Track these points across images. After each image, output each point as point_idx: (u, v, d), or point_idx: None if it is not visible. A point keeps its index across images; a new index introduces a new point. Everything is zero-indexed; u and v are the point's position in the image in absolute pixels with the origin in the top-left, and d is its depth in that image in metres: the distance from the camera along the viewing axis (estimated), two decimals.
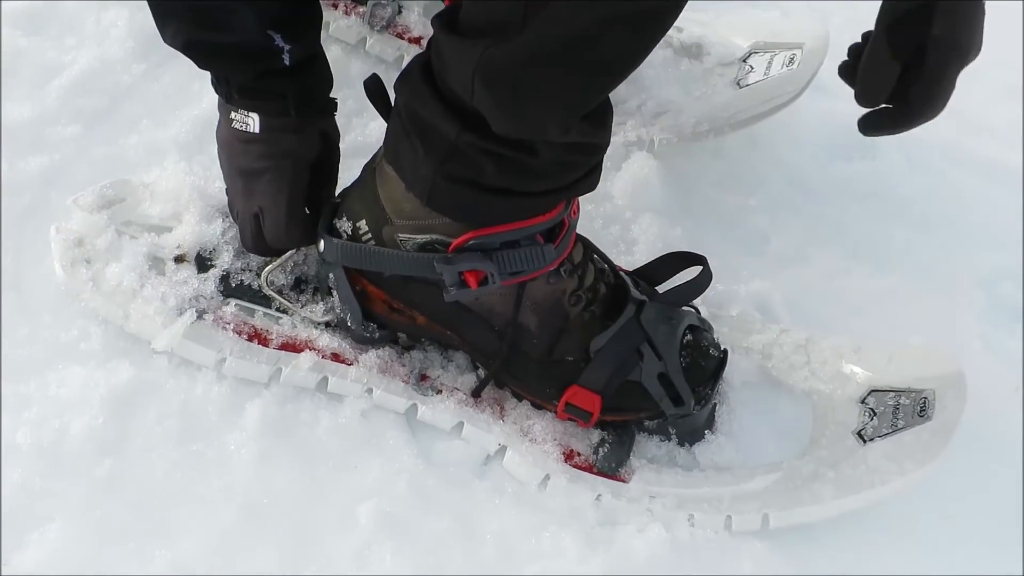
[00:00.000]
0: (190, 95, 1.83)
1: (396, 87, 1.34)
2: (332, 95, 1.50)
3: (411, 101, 1.30)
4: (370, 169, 1.43)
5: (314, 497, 1.41)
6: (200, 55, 1.41)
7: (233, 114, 1.44)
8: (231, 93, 1.42)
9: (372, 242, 1.42)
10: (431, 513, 1.42)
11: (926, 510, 1.52)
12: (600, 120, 1.30)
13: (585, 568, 1.39)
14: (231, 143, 1.46)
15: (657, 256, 1.57)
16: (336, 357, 1.50)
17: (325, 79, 1.48)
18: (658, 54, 1.95)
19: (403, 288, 1.45)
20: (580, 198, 1.43)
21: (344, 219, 1.44)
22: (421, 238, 1.38)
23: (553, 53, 1.15)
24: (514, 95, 1.19)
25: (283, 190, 1.45)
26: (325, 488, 1.42)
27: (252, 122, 1.42)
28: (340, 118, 1.53)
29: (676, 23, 1.77)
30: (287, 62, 1.39)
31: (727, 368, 1.52)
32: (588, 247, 1.49)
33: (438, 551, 1.39)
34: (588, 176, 1.37)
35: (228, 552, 1.35)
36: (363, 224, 1.42)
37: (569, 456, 1.48)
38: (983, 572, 1.49)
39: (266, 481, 1.41)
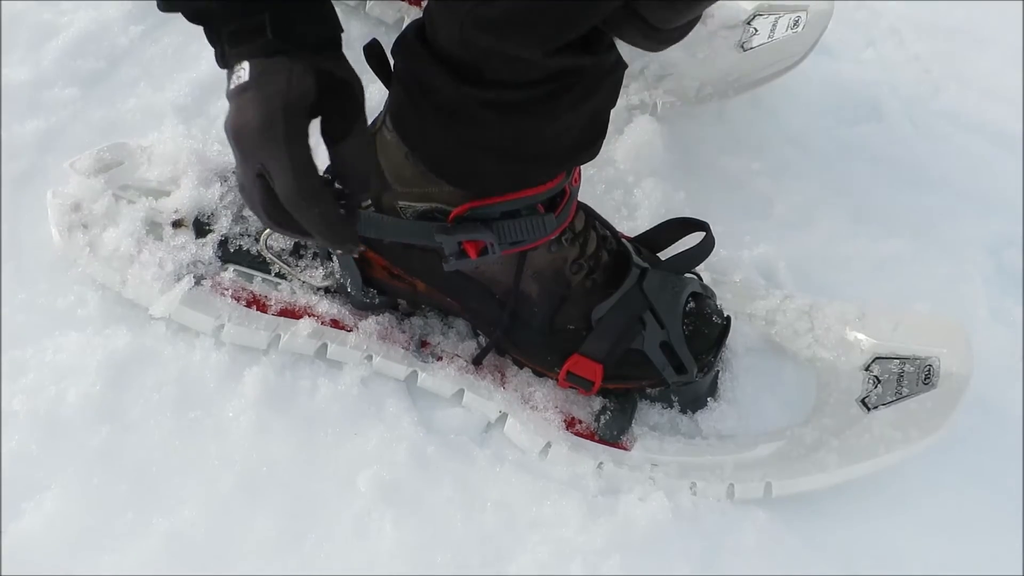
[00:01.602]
0: (188, 58, 1.82)
1: (393, 52, 1.32)
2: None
3: (409, 64, 1.29)
4: (370, 134, 1.41)
5: (313, 465, 1.40)
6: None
7: (231, 75, 1.32)
8: (225, 49, 1.29)
9: (372, 208, 1.40)
10: (431, 481, 1.41)
11: (929, 479, 1.51)
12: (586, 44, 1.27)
13: (587, 536, 1.38)
14: (232, 104, 1.33)
15: (659, 222, 1.55)
16: (335, 323, 1.49)
17: (314, 12, 1.30)
18: None
19: (403, 255, 1.43)
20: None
21: None
22: (421, 206, 1.37)
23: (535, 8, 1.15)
24: (500, 38, 1.18)
25: (278, 137, 1.25)
26: (324, 456, 1.41)
27: (244, 72, 1.27)
28: None
29: None
30: None
31: (730, 335, 1.50)
32: (590, 215, 1.48)
33: (438, 519, 1.38)
34: (591, 144, 1.36)
35: (226, 520, 1.34)
36: None
37: (571, 424, 1.47)
38: (985, 542, 1.48)
39: (264, 449, 1.40)
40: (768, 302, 1.61)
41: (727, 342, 1.51)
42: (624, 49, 1.90)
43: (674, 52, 1.87)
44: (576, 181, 1.41)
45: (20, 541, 1.29)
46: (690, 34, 1.90)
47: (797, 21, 1.88)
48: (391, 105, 1.36)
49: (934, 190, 1.96)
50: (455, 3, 1.19)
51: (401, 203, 1.38)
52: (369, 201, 1.40)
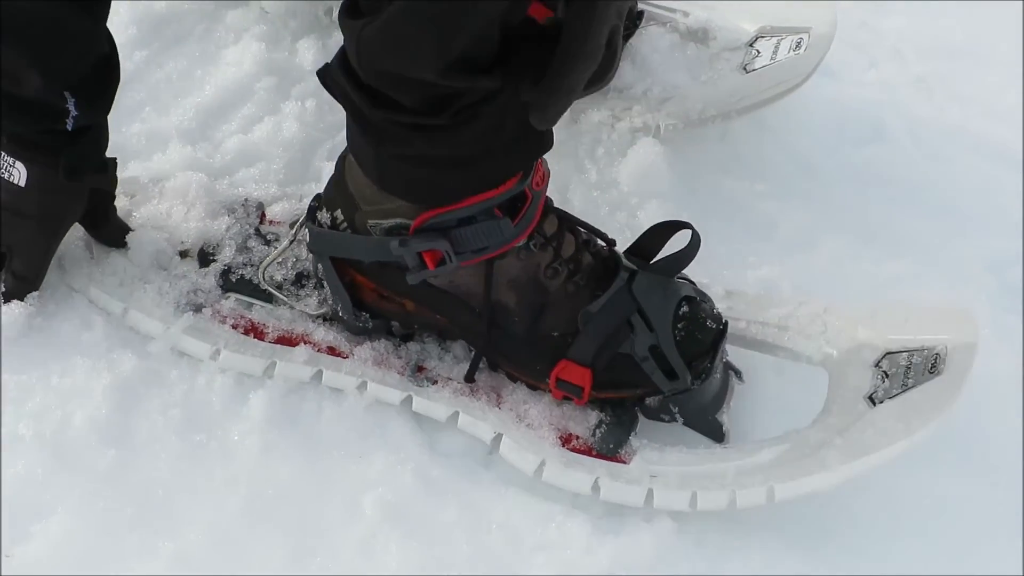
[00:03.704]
0: (192, 82, 1.83)
1: (321, 81, 1.36)
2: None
3: (337, 91, 1.33)
4: (341, 159, 1.45)
5: (319, 487, 1.40)
6: None
7: None
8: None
9: (348, 230, 1.43)
10: (437, 503, 1.40)
11: (931, 498, 1.50)
12: (473, 66, 1.25)
13: (592, 558, 1.37)
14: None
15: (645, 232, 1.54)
16: (331, 350, 1.49)
17: (102, 143, 1.48)
18: (664, 38, 1.94)
19: (383, 274, 1.44)
20: (577, 181, 1.41)
21: (324, 210, 1.45)
22: (387, 223, 1.39)
23: (417, 15, 1.17)
24: (392, 56, 1.22)
25: (43, 243, 1.47)
26: (329, 478, 1.41)
27: (18, 173, 1.41)
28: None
29: (682, 7, 1.75)
30: (69, 127, 1.39)
31: (742, 348, 1.49)
32: (564, 218, 1.47)
33: (444, 541, 1.38)
34: (537, 141, 1.36)
35: (233, 543, 1.34)
36: (339, 213, 1.43)
37: (567, 440, 1.45)
38: (988, 558, 1.47)
39: (270, 471, 1.40)
40: (781, 309, 1.57)
41: (736, 356, 1.50)
42: (626, 72, 1.91)
43: (677, 75, 1.90)
44: (538, 184, 1.41)
45: (27, 564, 1.28)
46: (692, 56, 1.93)
47: (799, 43, 1.88)
48: (347, 129, 1.39)
49: (937, 210, 1.96)
50: (351, 22, 1.24)
51: (371, 222, 1.40)
52: (344, 221, 1.43)
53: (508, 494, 1.43)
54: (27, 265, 1.46)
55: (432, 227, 1.37)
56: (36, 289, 1.48)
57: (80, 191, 1.45)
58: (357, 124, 1.34)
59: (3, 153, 1.40)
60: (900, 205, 1.96)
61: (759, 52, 1.90)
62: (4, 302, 1.46)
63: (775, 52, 1.88)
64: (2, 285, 1.46)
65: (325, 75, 1.35)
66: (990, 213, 1.98)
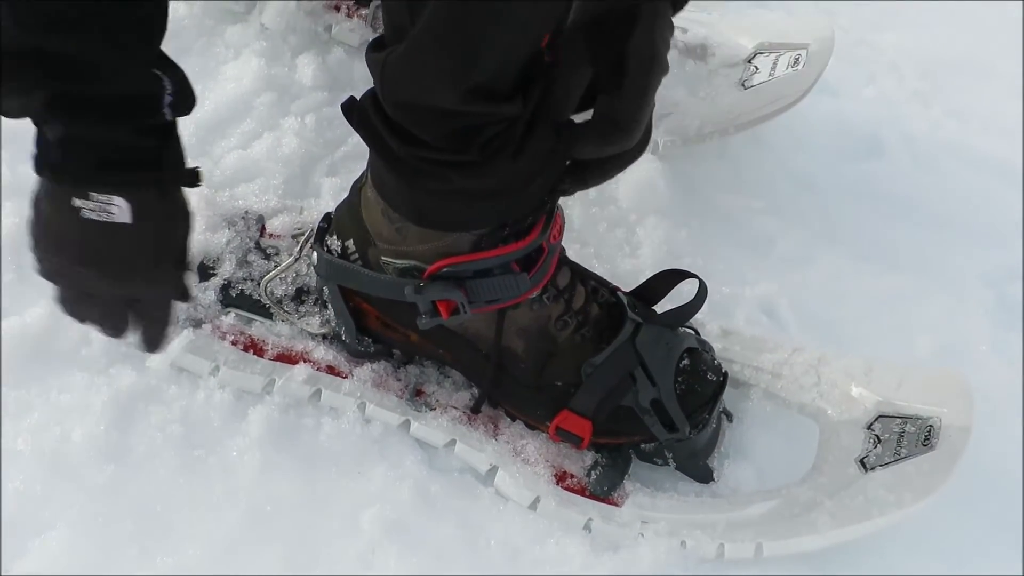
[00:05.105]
0: None
1: (348, 118, 1.32)
2: (330, 96, 1.45)
3: (363, 129, 1.30)
4: (356, 189, 1.43)
5: (317, 503, 1.40)
6: (66, 115, 1.18)
7: (78, 201, 1.21)
8: (84, 170, 1.21)
9: (359, 262, 1.41)
10: (435, 519, 1.41)
11: (929, 507, 1.49)
12: (494, 92, 1.21)
13: (590, 573, 1.38)
14: (78, 237, 1.25)
15: (659, 264, 1.54)
16: (331, 370, 1.49)
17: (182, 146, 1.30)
18: None
19: (391, 308, 1.43)
20: (575, 197, 1.40)
21: (335, 236, 1.44)
22: (401, 263, 1.38)
23: (437, 37, 1.14)
24: (406, 77, 1.19)
25: (169, 287, 1.34)
26: (328, 494, 1.41)
27: (118, 210, 1.21)
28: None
29: (681, 24, 1.76)
30: (168, 116, 1.23)
31: (736, 389, 1.49)
32: (576, 271, 1.47)
33: (442, 557, 1.38)
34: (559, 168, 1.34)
35: (231, 558, 1.34)
36: (351, 244, 1.42)
37: (561, 478, 1.45)
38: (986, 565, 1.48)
39: (269, 487, 1.40)
40: (776, 355, 1.57)
41: (729, 397, 1.50)
42: None
43: (675, 91, 1.90)
44: (555, 238, 1.40)
45: None
46: (691, 73, 1.93)
47: (798, 59, 1.89)
48: (371, 167, 1.38)
49: (935, 225, 1.97)
50: (375, 55, 1.21)
51: (384, 259, 1.39)
52: (355, 252, 1.42)
53: (507, 510, 1.43)
54: (156, 321, 1.37)
55: (447, 275, 1.35)
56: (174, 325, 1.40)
57: (184, 208, 1.32)
58: (388, 165, 1.30)
59: (92, 195, 1.20)
60: (898, 220, 1.96)
61: (757, 68, 1.91)
62: (150, 352, 1.40)
63: (773, 68, 1.89)
64: (138, 337, 1.37)
65: (350, 113, 1.32)
66: (989, 227, 1.99)
